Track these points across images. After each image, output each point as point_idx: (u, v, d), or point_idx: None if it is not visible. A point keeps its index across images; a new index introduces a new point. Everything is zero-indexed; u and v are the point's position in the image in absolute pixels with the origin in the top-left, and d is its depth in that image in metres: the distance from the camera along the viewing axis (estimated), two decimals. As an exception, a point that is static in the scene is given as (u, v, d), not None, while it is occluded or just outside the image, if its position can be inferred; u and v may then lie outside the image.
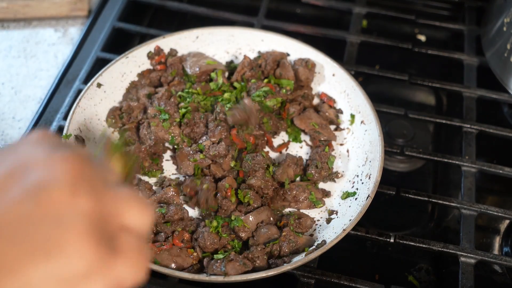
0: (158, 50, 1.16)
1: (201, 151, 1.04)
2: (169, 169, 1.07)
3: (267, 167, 1.03)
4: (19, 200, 0.45)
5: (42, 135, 0.51)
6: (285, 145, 1.11)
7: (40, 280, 0.43)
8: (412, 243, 1.01)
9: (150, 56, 1.16)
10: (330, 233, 0.96)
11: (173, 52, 1.17)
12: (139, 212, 0.50)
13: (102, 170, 0.51)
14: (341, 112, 1.13)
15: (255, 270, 0.92)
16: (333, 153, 1.09)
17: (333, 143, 1.11)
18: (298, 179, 1.06)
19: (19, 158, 0.48)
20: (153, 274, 0.91)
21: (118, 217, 0.49)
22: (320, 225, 1.00)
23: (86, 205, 0.46)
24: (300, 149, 1.12)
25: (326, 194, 1.04)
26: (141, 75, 1.15)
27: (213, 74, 1.14)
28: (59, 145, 0.50)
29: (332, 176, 1.06)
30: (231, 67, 1.18)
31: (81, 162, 0.48)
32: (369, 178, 1.00)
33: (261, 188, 1.01)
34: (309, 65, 1.14)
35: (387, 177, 1.05)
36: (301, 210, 1.02)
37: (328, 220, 1.00)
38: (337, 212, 1.00)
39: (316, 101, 1.17)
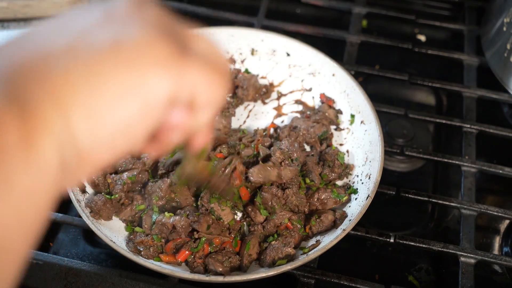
0: None
1: None
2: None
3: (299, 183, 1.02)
4: (92, 16, 0.48)
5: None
6: None
7: (107, 78, 0.44)
8: (412, 243, 1.01)
9: None
10: (330, 233, 0.96)
11: None
12: (216, 49, 0.53)
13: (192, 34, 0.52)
14: (341, 113, 1.13)
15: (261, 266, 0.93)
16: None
17: (333, 143, 1.11)
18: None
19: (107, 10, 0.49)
20: (153, 274, 0.91)
21: (192, 37, 0.50)
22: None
23: (156, 11, 0.48)
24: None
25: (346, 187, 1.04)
26: None
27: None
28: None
29: (347, 171, 1.06)
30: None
31: (167, 16, 0.50)
32: (369, 178, 1.00)
33: (297, 207, 1.00)
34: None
35: (387, 177, 1.05)
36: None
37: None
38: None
39: (316, 102, 1.17)
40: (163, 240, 0.95)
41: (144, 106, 0.45)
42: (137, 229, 0.96)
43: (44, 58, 0.44)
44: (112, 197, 0.97)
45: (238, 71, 1.19)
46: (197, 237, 0.95)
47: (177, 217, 0.95)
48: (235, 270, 0.93)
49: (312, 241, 0.97)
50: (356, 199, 1.00)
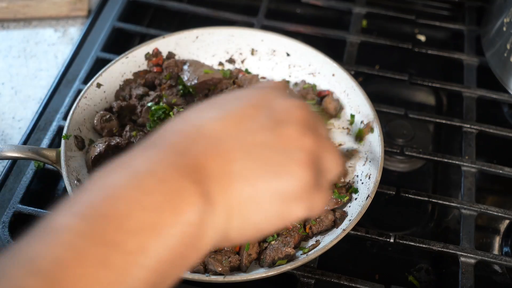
0: (157, 52, 1.16)
1: None
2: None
3: None
4: (263, 128, 0.58)
5: (280, 84, 0.68)
6: None
7: (265, 191, 0.57)
8: (412, 243, 1.01)
9: (147, 57, 1.16)
10: (330, 233, 0.96)
11: (171, 56, 1.17)
12: (335, 163, 0.64)
13: (319, 122, 0.65)
14: (342, 108, 1.13)
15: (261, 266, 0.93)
16: None
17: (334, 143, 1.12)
18: None
19: (263, 95, 0.63)
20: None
21: (324, 160, 0.62)
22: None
23: (310, 144, 0.59)
24: None
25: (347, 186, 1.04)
26: (137, 74, 1.15)
27: None
28: (293, 95, 0.66)
29: (351, 152, 1.06)
30: (225, 73, 1.17)
31: (310, 112, 0.63)
32: (369, 178, 1.00)
33: None
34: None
35: (387, 177, 1.05)
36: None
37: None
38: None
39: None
40: None
41: (281, 221, 0.60)
42: None
43: (227, 162, 0.56)
44: None
45: (239, 71, 1.19)
46: None
47: None
48: (234, 270, 0.93)
49: (312, 241, 0.97)
50: (356, 199, 1.00)
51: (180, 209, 0.51)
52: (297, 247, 0.96)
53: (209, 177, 0.54)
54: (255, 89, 0.65)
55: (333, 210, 1.00)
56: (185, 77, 1.14)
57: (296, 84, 1.17)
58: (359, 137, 1.08)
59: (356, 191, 1.01)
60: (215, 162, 0.55)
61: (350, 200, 1.01)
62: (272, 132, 0.58)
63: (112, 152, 1.03)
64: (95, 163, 1.01)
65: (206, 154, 0.55)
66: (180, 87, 1.13)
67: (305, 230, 0.98)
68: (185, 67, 1.15)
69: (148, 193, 0.50)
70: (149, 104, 1.07)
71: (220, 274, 0.90)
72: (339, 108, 1.13)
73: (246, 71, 1.20)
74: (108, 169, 0.53)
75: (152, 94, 1.10)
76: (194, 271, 0.92)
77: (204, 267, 0.92)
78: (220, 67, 1.20)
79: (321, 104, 1.13)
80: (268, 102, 0.61)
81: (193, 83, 1.13)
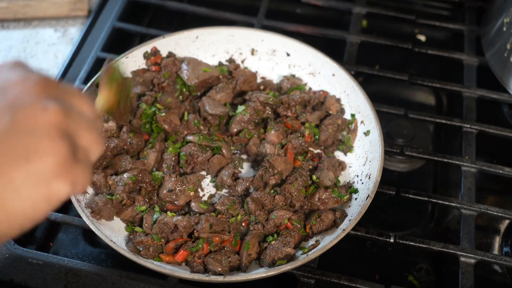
0: (155, 51, 1.16)
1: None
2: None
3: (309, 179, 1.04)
4: (4, 119, 0.55)
5: (16, 62, 0.61)
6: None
7: (21, 178, 0.54)
8: (412, 243, 1.01)
9: (146, 56, 1.16)
10: (330, 233, 0.96)
11: (170, 55, 1.17)
12: (94, 141, 0.62)
13: (71, 92, 0.62)
14: (344, 112, 1.13)
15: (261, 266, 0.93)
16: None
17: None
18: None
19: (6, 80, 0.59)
20: (153, 274, 0.91)
21: (79, 138, 0.59)
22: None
23: (54, 117, 0.56)
24: None
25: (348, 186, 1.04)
26: (135, 73, 1.14)
27: None
28: (32, 70, 0.60)
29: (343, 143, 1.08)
30: (222, 70, 1.17)
31: (51, 82, 0.59)
32: (369, 178, 1.00)
33: (291, 196, 1.00)
34: None
35: (387, 177, 1.05)
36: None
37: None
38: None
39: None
40: (163, 240, 0.95)
41: (50, 202, 0.57)
42: (137, 229, 0.96)
43: None
44: (113, 197, 0.97)
45: (236, 66, 1.19)
46: (196, 236, 0.95)
47: (179, 217, 0.95)
48: (234, 269, 0.93)
49: (312, 241, 0.97)
50: (356, 199, 1.00)
51: None
52: (297, 247, 0.96)
53: None
54: None
55: (333, 210, 1.00)
56: (184, 76, 1.14)
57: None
58: (348, 146, 1.08)
59: (356, 191, 1.01)
60: None
61: (350, 199, 1.01)
62: (9, 116, 0.55)
63: (111, 153, 1.03)
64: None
65: None
66: (179, 86, 1.14)
67: (305, 230, 0.98)
68: (184, 65, 1.15)
69: None
70: (140, 104, 1.08)
71: (220, 274, 0.90)
72: (341, 110, 1.13)
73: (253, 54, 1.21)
74: None
75: (147, 94, 1.10)
76: (194, 271, 0.92)
77: (204, 267, 0.92)
78: (218, 60, 1.20)
79: (323, 104, 1.13)
80: (1, 85, 0.58)
81: (193, 82, 1.13)
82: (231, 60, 1.21)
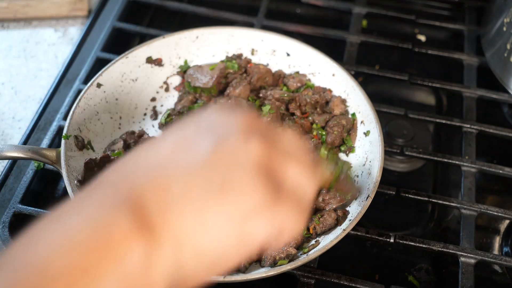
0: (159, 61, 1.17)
1: None
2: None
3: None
4: (204, 146, 0.52)
5: (221, 105, 0.61)
6: None
7: (213, 214, 0.49)
8: (412, 243, 1.01)
9: (149, 60, 1.16)
10: (330, 233, 0.96)
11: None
12: (305, 178, 0.55)
13: (273, 127, 0.57)
14: (348, 113, 1.13)
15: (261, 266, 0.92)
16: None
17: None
18: None
19: (209, 117, 0.56)
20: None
21: (285, 170, 0.54)
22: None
23: (257, 151, 0.52)
24: None
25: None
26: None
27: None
28: (235, 108, 0.57)
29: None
30: (233, 66, 1.17)
31: (254, 117, 0.56)
32: (369, 178, 1.00)
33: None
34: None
35: (387, 177, 1.05)
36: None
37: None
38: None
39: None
40: None
41: (242, 246, 0.52)
42: None
43: (166, 189, 0.50)
44: None
45: (248, 61, 1.19)
46: None
47: None
48: (233, 270, 0.93)
49: (312, 241, 0.97)
50: (356, 199, 1.00)
51: (116, 247, 0.46)
52: (299, 247, 0.96)
53: (148, 207, 0.48)
54: (198, 117, 0.57)
55: (335, 210, 1.00)
56: (200, 83, 1.13)
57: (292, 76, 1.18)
58: (349, 146, 1.08)
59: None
60: (152, 190, 0.49)
61: (354, 198, 1.00)
62: (212, 148, 0.52)
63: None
64: (88, 167, 1.00)
65: (142, 183, 0.50)
66: (191, 90, 1.14)
67: (308, 231, 0.98)
68: (188, 75, 1.15)
69: (76, 234, 0.45)
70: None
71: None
72: (345, 111, 1.13)
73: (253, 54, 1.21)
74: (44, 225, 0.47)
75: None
76: None
77: None
78: (218, 60, 1.20)
79: (327, 104, 1.13)
80: (210, 120, 0.55)
81: (211, 83, 1.13)
82: (238, 56, 1.20)
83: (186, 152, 0.52)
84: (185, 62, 1.18)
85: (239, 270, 0.93)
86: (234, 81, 1.14)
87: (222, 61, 1.18)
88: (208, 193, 0.50)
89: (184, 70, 1.17)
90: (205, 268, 0.51)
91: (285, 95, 1.11)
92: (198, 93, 1.14)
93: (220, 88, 1.15)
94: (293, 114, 1.12)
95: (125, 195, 0.49)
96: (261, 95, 1.13)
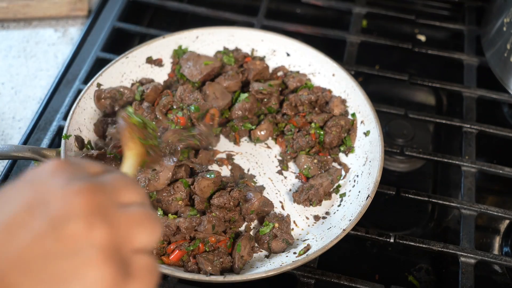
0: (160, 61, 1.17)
1: None
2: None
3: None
4: (38, 236, 0.47)
5: (56, 165, 0.52)
6: None
7: None
8: (412, 243, 1.01)
9: (149, 60, 1.16)
10: (330, 233, 0.96)
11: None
12: (150, 233, 0.52)
13: (115, 187, 0.53)
14: (347, 113, 1.13)
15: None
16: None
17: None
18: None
19: (36, 190, 0.50)
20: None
21: (131, 243, 0.51)
22: (323, 222, 1.00)
23: (102, 237, 0.48)
24: None
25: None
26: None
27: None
28: (74, 175, 0.52)
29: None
30: (229, 60, 1.17)
31: (95, 192, 0.50)
32: (369, 178, 1.00)
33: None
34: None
35: (387, 177, 1.05)
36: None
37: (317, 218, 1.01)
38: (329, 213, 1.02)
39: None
40: (165, 243, 0.95)
41: None
42: None
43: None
44: None
45: (245, 56, 1.19)
46: (193, 236, 0.95)
47: (181, 219, 0.95)
48: (226, 271, 0.93)
49: (302, 246, 0.96)
50: (356, 198, 1.00)
51: None
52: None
53: None
54: (26, 182, 0.51)
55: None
56: (186, 73, 1.14)
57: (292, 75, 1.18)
58: (349, 146, 1.09)
59: (344, 195, 1.03)
60: None
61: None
62: (52, 237, 0.47)
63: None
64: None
65: None
66: (179, 75, 1.15)
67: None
68: (185, 62, 1.15)
69: None
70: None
71: (220, 274, 0.90)
72: (345, 112, 1.13)
73: (253, 55, 1.20)
74: None
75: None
76: (188, 270, 0.92)
77: (197, 267, 0.92)
78: (219, 55, 1.20)
79: (327, 104, 1.13)
80: (42, 196, 0.49)
81: (197, 79, 1.13)
82: (237, 49, 1.20)
83: (20, 241, 0.47)
84: (180, 47, 1.18)
85: (231, 271, 0.93)
86: (229, 73, 1.14)
87: (219, 52, 1.18)
88: None
89: (179, 56, 1.17)
90: None
91: (263, 89, 1.11)
92: (184, 80, 1.14)
93: (209, 78, 1.16)
94: (284, 114, 1.12)
95: None
96: (250, 89, 1.13)
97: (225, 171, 1.07)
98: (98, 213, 0.50)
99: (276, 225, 0.97)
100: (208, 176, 0.99)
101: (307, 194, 1.01)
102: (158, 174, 0.98)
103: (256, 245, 0.98)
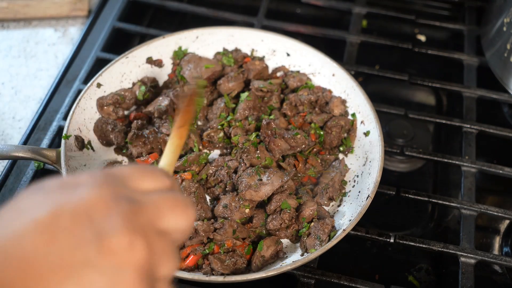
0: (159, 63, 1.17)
1: None
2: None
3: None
4: (83, 243, 0.49)
5: (105, 177, 0.54)
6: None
7: None
8: (412, 243, 1.01)
9: (149, 60, 1.16)
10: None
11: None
12: (173, 267, 0.54)
13: (160, 210, 0.55)
14: (347, 114, 1.13)
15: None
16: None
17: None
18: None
19: (81, 198, 0.51)
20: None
21: (161, 270, 0.53)
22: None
23: (141, 257, 0.50)
24: None
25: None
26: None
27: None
28: (120, 192, 0.53)
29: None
30: (229, 61, 1.18)
31: (137, 214, 0.52)
32: (369, 178, 1.00)
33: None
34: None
35: (387, 177, 1.05)
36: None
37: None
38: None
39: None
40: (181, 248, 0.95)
41: None
42: None
43: (39, 280, 0.47)
44: None
45: (244, 56, 1.19)
46: (211, 237, 0.95)
47: (199, 222, 0.95)
48: (238, 272, 0.92)
49: (298, 254, 0.96)
50: (356, 198, 1.00)
51: None
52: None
53: None
54: (69, 187, 0.53)
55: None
56: (187, 76, 1.14)
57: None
58: (348, 146, 1.09)
59: (344, 194, 1.03)
60: None
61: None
62: (94, 247, 0.49)
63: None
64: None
65: (14, 283, 0.46)
66: (179, 76, 1.15)
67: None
68: (183, 63, 1.15)
69: None
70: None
71: (221, 274, 0.90)
72: (345, 112, 1.13)
73: (253, 55, 1.20)
74: None
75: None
76: (203, 272, 0.92)
77: (210, 268, 0.92)
78: (219, 57, 1.20)
79: (327, 104, 1.13)
80: (87, 207, 0.51)
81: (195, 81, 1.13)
82: (237, 50, 1.20)
83: (64, 246, 0.49)
84: (179, 48, 1.17)
85: (242, 272, 0.93)
86: (231, 74, 1.14)
87: (218, 53, 1.18)
88: None
89: (179, 57, 1.17)
90: None
91: (262, 85, 1.11)
92: (184, 82, 1.14)
93: (210, 81, 1.16)
94: (284, 114, 1.12)
95: None
96: (250, 86, 1.13)
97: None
98: (140, 234, 0.51)
99: (312, 224, 0.97)
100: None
101: (327, 193, 1.01)
102: None
103: (284, 251, 0.96)
